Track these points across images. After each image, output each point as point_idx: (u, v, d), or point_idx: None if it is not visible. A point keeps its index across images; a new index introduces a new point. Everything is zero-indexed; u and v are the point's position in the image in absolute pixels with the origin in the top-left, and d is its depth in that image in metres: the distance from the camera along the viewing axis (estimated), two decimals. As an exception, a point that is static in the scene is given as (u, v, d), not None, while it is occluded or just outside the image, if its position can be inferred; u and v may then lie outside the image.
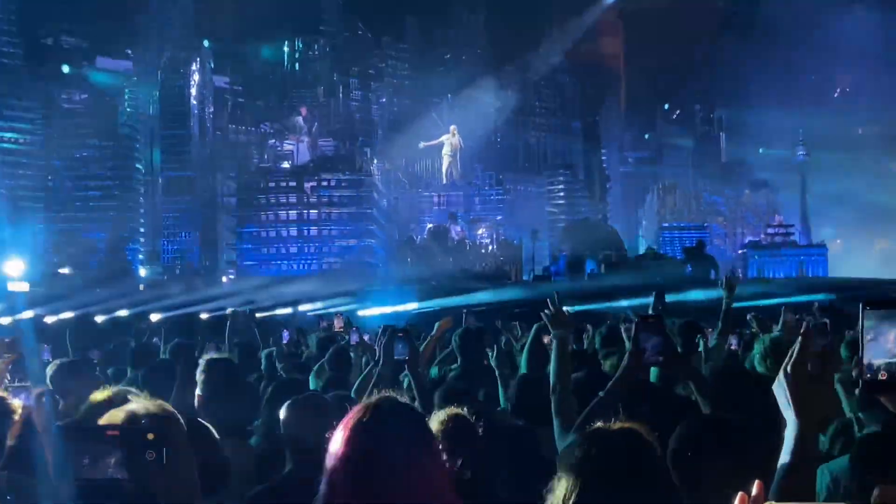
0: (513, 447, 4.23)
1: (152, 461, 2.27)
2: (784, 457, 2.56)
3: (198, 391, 6.01)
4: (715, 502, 2.55)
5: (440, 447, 2.73)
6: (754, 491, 1.61)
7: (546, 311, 5.38)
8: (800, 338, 2.52)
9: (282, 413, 4.86)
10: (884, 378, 1.97)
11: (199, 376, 6.06)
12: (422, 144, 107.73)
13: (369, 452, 2.56)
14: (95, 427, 2.51)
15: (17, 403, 5.31)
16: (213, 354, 9.84)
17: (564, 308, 5.41)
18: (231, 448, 4.51)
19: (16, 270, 60.66)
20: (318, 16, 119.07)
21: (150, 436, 2.38)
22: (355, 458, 2.56)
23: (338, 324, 16.75)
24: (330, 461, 2.60)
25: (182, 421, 2.79)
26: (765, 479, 1.66)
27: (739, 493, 1.59)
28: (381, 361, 6.00)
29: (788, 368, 2.47)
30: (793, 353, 2.50)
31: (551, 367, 5.18)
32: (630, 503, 2.77)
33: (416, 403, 5.54)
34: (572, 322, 5.55)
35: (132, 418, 2.64)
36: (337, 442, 2.62)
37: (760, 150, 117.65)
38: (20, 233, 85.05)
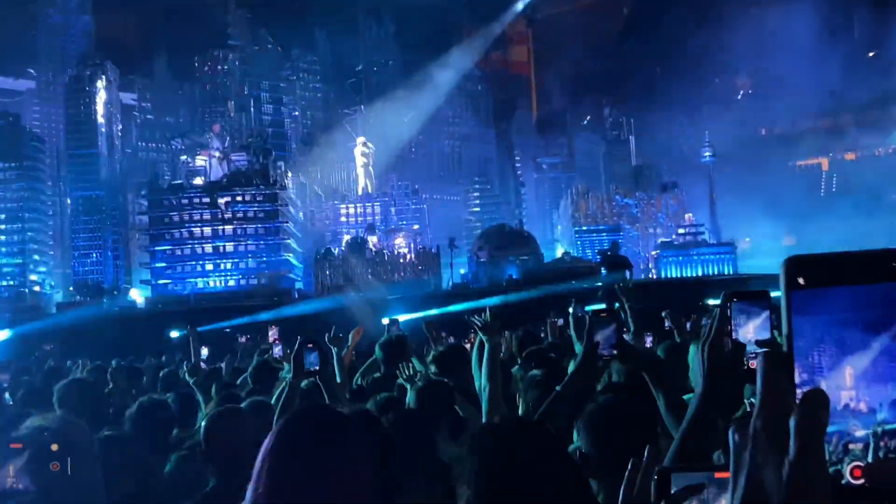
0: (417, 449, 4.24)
1: (57, 471, 2.26)
2: (683, 423, 2.81)
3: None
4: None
5: (363, 452, 2.74)
6: (645, 457, 1.61)
7: (477, 318, 5.66)
8: (717, 315, 2.67)
9: (203, 427, 4.84)
10: (752, 367, 2.11)
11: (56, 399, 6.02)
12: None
13: (288, 459, 2.53)
14: None
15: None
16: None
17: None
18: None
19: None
20: (226, 30, 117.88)
21: (55, 447, 2.38)
22: (275, 466, 2.51)
23: (272, 335, 16.63)
24: (255, 470, 2.53)
25: (88, 432, 2.76)
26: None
27: (632, 460, 1.59)
28: (292, 372, 6.03)
29: (707, 343, 2.65)
30: (711, 329, 2.66)
31: (483, 370, 5.46)
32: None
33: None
34: (501, 330, 5.85)
35: (36, 430, 2.61)
36: (262, 452, 2.54)
37: (668, 151, 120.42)
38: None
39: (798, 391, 1.00)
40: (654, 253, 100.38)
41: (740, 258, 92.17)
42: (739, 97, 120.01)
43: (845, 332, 0.97)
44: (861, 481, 0.96)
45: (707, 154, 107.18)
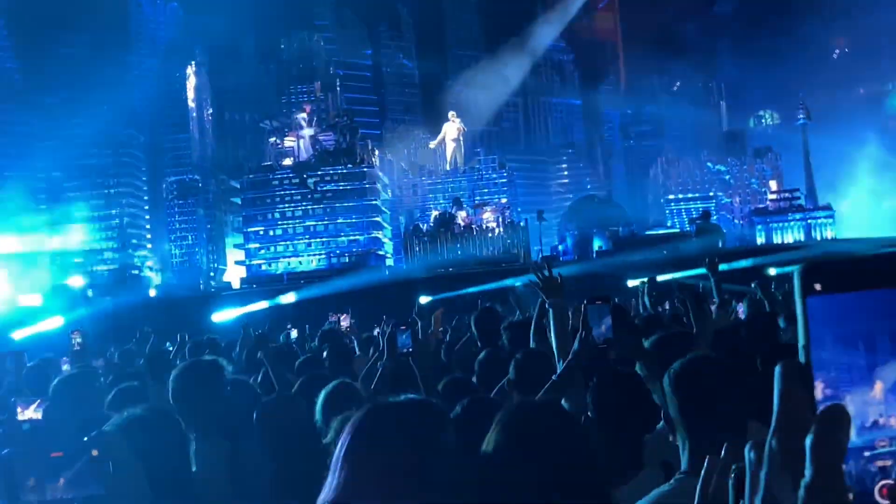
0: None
1: (100, 476, 2.28)
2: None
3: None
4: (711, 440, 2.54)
5: (445, 446, 2.68)
6: (724, 454, 1.53)
7: (534, 277, 5.20)
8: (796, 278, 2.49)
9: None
10: None
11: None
12: (431, 145, 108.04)
13: (366, 455, 2.54)
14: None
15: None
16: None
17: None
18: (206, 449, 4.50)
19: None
20: (311, 10, 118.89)
21: (94, 452, 2.40)
22: (354, 460, 2.53)
23: (344, 322, 16.81)
24: (334, 462, 2.59)
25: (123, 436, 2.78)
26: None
27: (708, 458, 1.50)
28: (384, 354, 5.97)
29: None
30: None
31: (552, 339, 5.04)
32: None
33: (422, 394, 5.52)
34: (563, 288, 5.40)
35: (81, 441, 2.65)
36: (341, 443, 2.60)
37: (760, 116, 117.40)
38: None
39: (820, 407, 0.93)
40: (746, 219, 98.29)
41: (839, 222, 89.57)
42: (835, 56, 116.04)
43: (873, 342, 0.88)
44: (888, 501, 0.90)
45: (801, 116, 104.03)
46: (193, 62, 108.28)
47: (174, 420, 4.25)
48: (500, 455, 2.72)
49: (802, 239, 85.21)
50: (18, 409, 6.65)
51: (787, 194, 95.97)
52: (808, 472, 0.94)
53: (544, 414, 2.96)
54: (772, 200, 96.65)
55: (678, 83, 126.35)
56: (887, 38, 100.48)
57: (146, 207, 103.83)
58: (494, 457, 2.72)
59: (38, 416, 6.55)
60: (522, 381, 5.31)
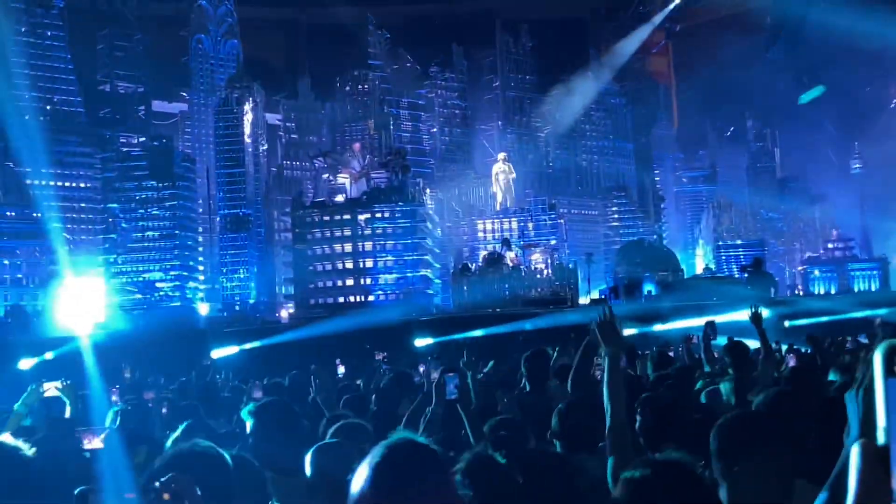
0: (544, 477, 4.16)
1: None
2: (836, 467, 2.66)
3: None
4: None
5: (456, 488, 2.73)
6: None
7: (595, 322, 5.01)
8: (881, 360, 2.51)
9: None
10: None
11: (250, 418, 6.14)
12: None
13: (383, 493, 2.57)
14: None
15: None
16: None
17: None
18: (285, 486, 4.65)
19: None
20: (366, 50, 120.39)
21: (166, 496, 2.52)
22: (370, 499, 2.57)
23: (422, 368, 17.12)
24: (350, 501, 2.62)
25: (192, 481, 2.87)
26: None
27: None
28: (434, 401, 5.99)
29: (864, 387, 2.49)
30: (868, 371, 2.50)
31: (604, 390, 4.80)
32: None
33: (471, 439, 5.60)
34: (624, 339, 5.14)
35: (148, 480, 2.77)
36: (356, 482, 2.63)
37: (816, 164, 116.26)
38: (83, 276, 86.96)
39: None
40: (800, 268, 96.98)
41: (892, 274, 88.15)
42: (893, 105, 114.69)
43: None
44: None
45: (856, 166, 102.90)
46: (250, 98, 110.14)
47: (248, 460, 4.37)
48: None
49: (854, 289, 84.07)
50: (85, 440, 6.87)
51: (841, 244, 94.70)
52: None
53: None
54: (825, 250, 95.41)
55: (732, 128, 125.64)
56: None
57: (200, 239, 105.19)
58: None
59: (101, 445, 6.75)
60: (566, 433, 5.36)
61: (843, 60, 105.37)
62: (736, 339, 9.89)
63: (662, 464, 2.92)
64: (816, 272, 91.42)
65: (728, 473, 3.53)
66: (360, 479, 2.61)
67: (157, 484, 2.67)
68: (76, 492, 3.34)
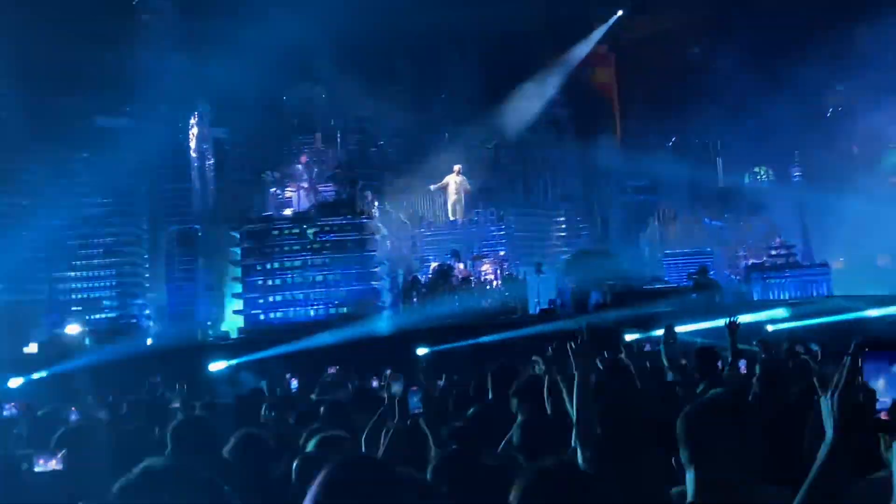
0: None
1: None
2: (813, 470, 2.80)
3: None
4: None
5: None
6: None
7: (573, 342, 5.24)
8: (847, 363, 2.73)
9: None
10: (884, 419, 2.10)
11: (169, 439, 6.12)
12: (432, 187, 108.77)
13: None
14: None
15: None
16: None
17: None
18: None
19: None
20: (312, 62, 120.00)
21: None
22: None
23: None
24: None
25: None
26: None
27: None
28: (396, 415, 6.05)
29: (837, 392, 2.69)
30: (840, 377, 2.71)
31: (574, 400, 5.06)
32: None
33: (433, 455, 5.67)
34: (595, 353, 5.43)
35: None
36: (308, 499, 2.69)
37: (756, 172, 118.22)
38: (25, 295, 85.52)
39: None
40: (744, 275, 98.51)
41: (834, 279, 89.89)
42: (829, 115, 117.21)
43: None
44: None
45: (797, 173, 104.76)
46: (196, 112, 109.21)
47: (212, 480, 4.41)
48: None
49: (798, 295, 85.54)
50: (39, 461, 6.84)
51: (783, 251, 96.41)
52: None
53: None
54: (769, 256, 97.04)
55: (674, 138, 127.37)
56: (884, 95, 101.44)
57: (146, 255, 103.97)
58: None
59: (59, 466, 6.72)
60: (527, 446, 5.48)
61: (783, 67, 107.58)
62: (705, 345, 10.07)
63: (551, 468, 3.03)
64: (763, 278, 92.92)
65: (694, 458, 3.61)
66: (308, 498, 2.67)
67: None
68: None
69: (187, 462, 5.10)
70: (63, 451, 6.84)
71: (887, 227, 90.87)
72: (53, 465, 6.70)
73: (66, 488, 6.01)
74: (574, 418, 5.02)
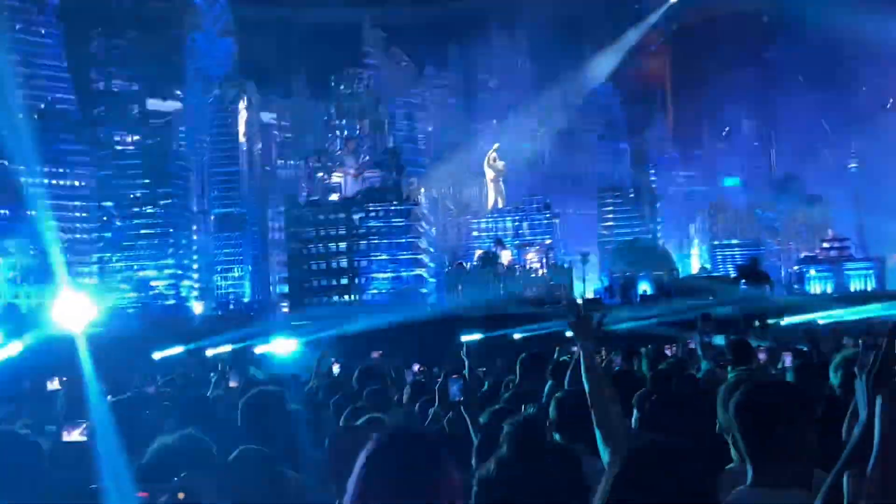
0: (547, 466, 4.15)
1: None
2: (847, 449, 2.71)
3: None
4: None
5: (454, 477, 2.69)
6: None
7: (570, 317, 5.03)
8: (884, 344, 2.64)
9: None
10: None
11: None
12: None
13: (382, 482, 2.57)
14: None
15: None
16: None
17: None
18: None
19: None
20: (361, 48, 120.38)
21: (181, 495, 2.43)
22: (368, 488, 2.57)
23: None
24: (349, 490, 2.61)
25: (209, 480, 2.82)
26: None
27: None
28: (437, 403, 5.99)
29: (872, 372, 2.61)
30: (876, 359, 2.62)
31: (584, 380, 4.94)
32: None
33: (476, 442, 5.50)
34: (598, 331, 5.25)
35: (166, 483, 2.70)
36: (355, 471, 2.63)
37: (811, 164, 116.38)
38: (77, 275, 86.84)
39: None
40: (796, 268, 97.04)
41: (889, 274, 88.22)
42: (888, 106, 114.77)
43: None
44: None
45: (853, 165, 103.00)
46: (245, 97, 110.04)
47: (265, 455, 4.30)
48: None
49: (850, 289, 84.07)
50: (64, 432, 6.72)
51: (837, 244, 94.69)
52: None
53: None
54: (821, 249, 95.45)
55: (727, 128, 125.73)
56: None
57: (194, 238, 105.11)
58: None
59: (83, 438, 6.59)
60: (563, 422, 5.27)
61: (841, 60, 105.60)
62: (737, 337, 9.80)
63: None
64: (812, 272, 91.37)
65: (755, 451, 3.51)
66: (356, 466, 2.61)
67: (175, 479, 2.60)
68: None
69: (203, 437, 4.94)
70: (86, 424, 6.70)
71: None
72: (77, 435, 6.59)
73: (89, 459, 5.88)
74: (589, 395, 4.80)
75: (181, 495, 2.46)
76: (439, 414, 6.01)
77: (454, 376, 6.07)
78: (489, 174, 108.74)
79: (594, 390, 4.70)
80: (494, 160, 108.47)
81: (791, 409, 3.53)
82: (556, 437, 5.44)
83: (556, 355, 11.07)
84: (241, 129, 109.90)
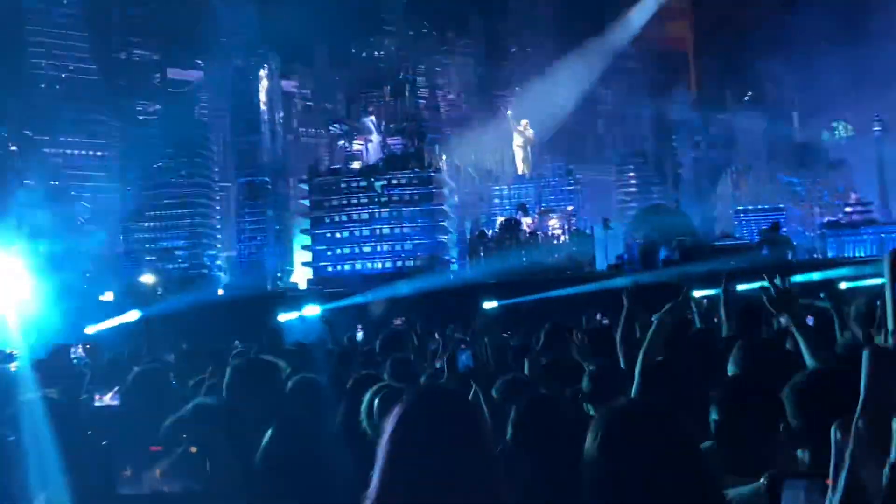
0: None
1: (196, 470, 2.41)
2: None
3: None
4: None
5: (487, 434, 2.69)
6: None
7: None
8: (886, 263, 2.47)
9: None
10: None
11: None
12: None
13: (414, 440, 2.57)
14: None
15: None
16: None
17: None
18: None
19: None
20: (382, 16, 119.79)
21: (193, 449, 2.50)
22: (401, 446, 2.57)
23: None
24: (381, 449, 2.61)
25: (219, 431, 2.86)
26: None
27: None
28: (445, 374, 5.95)
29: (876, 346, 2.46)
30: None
31: (649, 337, 5.22)
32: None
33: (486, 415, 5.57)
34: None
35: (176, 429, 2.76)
36: (386, 431, 2.62)
37: (833, 128, 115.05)
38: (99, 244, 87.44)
39: None
40: (819, 232, 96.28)
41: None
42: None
43: None
44: None
45: (877, 129, 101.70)
46: (266, 65, 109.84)
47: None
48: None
49: (875, 253, 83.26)
50: (96, 396, 6.97)
51: (860, 207, 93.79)
52: (893, 452, 0.93)
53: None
54: (844, 213, 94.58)
55: (750, 93, 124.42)
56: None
57: (217, 207, 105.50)
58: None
59: (115, 402, 6.83)
60: (597, 393, 5.38)
61: (863, 21, 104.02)
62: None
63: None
64: (838, 235, 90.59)
65: (809, 429, 3.43)
66: (388, 424, 2.60)
67: (184, 435, 2.67)
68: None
69: (239, 401, 5.10)
70: (117, 388, 6.93)
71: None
72: (108, 399, 6.82)
73: (120, 421, 6.12)
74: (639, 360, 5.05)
75: (193, 449, 2.50)
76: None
77: (462, 346, 6.07)
78: (517, 140, 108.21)
79: (647, 356, 4.99)
80: (526, 126, 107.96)
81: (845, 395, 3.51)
82: (589, 409, 5.56)
83: (583, 323, 11.13)
84: (263, 97, 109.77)
